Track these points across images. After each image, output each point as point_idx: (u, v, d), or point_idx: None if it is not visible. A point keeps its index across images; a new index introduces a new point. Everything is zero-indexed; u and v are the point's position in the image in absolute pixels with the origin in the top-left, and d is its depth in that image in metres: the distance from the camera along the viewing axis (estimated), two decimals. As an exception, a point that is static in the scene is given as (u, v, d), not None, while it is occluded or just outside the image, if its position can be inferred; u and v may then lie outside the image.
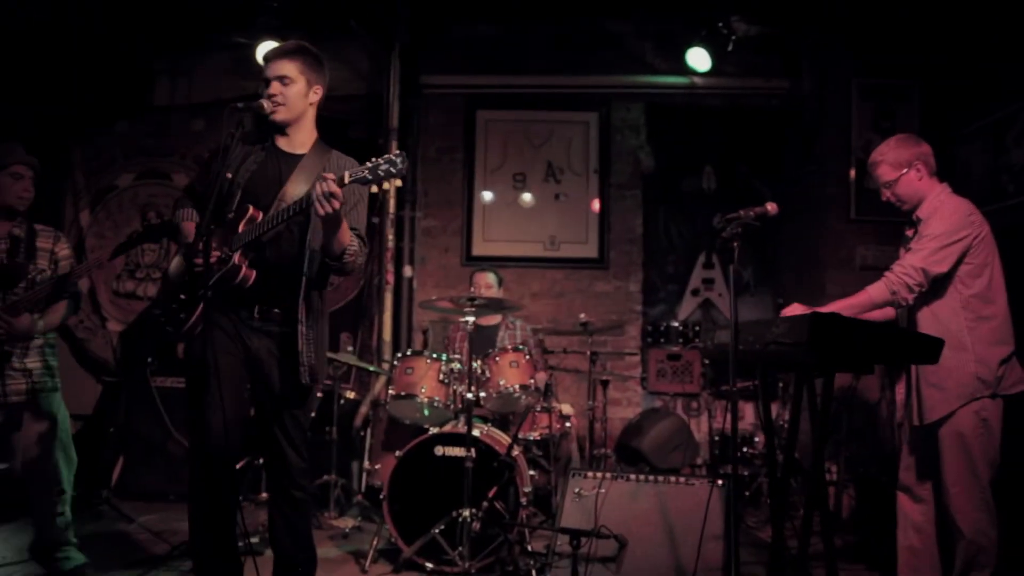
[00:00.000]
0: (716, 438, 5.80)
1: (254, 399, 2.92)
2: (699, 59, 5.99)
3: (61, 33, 5.61)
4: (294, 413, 2.90)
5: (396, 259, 6.16)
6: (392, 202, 6.01)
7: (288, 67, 2.87)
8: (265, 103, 2.84)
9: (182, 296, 2.77)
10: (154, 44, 6.19)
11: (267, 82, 2.88)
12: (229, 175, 2.79)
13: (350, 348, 5.86)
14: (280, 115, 2.88)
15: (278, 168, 2.89)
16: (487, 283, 5.16)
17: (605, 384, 5.37)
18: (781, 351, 2.83)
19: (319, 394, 4.47)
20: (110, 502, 4.98)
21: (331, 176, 2.54)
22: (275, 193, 2.82)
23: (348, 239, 2.77)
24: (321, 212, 2.55)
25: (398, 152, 2.54)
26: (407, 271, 6.35)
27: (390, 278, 6.03)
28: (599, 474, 3.81)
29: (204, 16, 5.90)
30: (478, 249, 6.47)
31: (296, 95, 2.88)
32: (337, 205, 2.54)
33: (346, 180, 2.56)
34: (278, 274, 2.80)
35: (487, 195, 6.49)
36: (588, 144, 6.47)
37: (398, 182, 2.54)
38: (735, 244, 2.95)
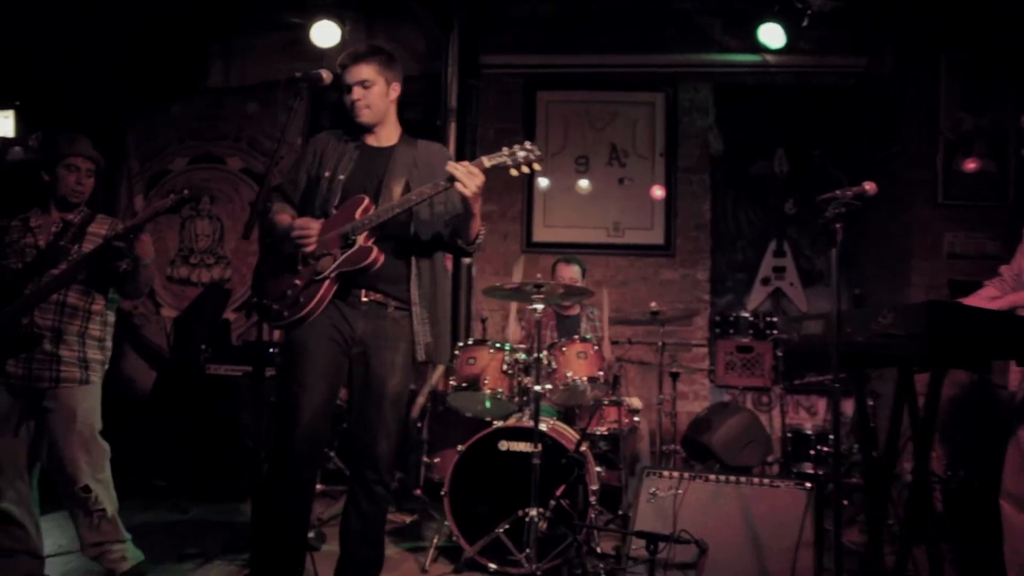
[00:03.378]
0: (789, 435, 5.49)
1: (351, 385, 2.97)
2: (772, 35, 5.67)
3: (115, 15, 5.57)
4: (395, 401, 2.93)
5: None
6: None
7: (366, 71, 2.99)
8: (352, 105, 2.98)
9: (297, 282, 2.87)
10: (208, 25, 6.10)
11: (348, 88, 3.00)
12: (327, 173, 2.98)
13: None
14: (366, 117, 3.02)
15: (374, 163, 3.02)
16: (572, 275, 5.00)
17: (675, 377, 5.13)
18: (887, 343, 2.60)
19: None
20: (165, 492, 4.92)
21: (464, 163, 2.71)
22: (376, 186, 2.96)
23: (480, 222, 2.92)
24: (469, 191, 2.71)
25: (527, 142, 2.76)
26: (465, 258, 6.11)
27: (448, 264, 5.74)
28: (675, 474, 3.59)
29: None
30: (538, 235, 6.30)
31: (378, 96, 3.01)
32: (481, 183, 2.71)
33: (486, 164, 2.75)
34: (390, 256, 2.91)
35: (544, 181, 6.30)
36: (654, 126, 6.24)
37: (538, 166, 2.77)
38: (838, 225, 2.73)
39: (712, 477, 3.54)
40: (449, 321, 3.06)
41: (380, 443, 2.91)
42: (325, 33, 5.65)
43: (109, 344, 3.54)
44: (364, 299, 2.94)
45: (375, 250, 2.87)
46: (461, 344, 4.37)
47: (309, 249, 2.88)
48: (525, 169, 2.75)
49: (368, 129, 3.08)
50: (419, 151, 3.09)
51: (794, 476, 4.74)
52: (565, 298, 4.36)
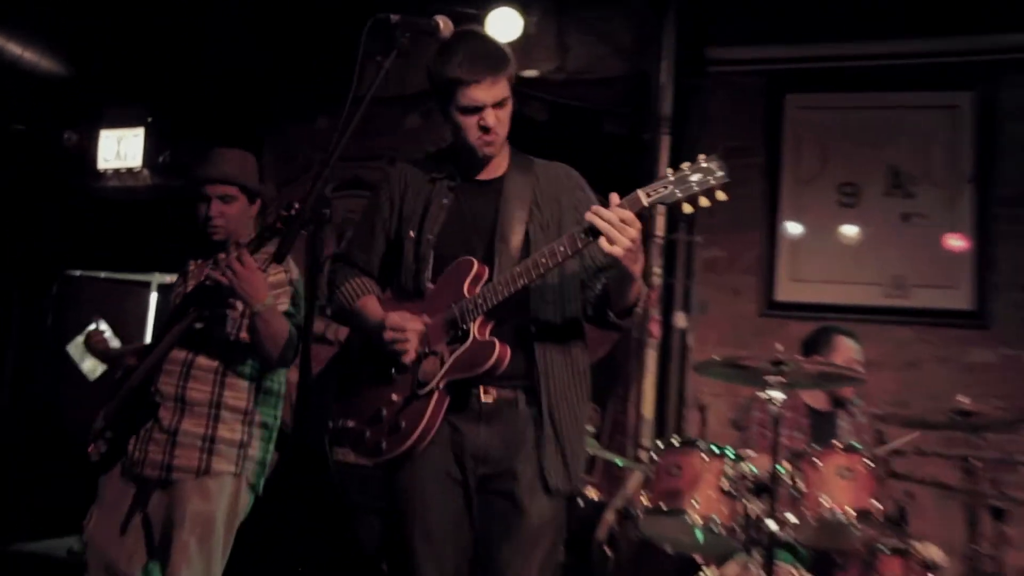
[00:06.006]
0: None
1: (475, 524, 2.75)
2: None
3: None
4: (542, 536, 2.68)
5: (664, 303, 5.60)
6: (659, 220, 5.40)
7: (504, 85, 2.68)
8: (480, 135, 2.68)
9: (394, 397, 2.68)
10: (362, 20, 6.17)
11: (470, 110, 2.67)
12: (412, 233, 2.77)
13: (592, 429, 5.21)
14: (497, 150, 2.78)
15: (478, 207, 2.81)
16: (851, 355, 4.55)
17: (998, 514, 4.21)
18: None
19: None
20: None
21: (616, 200, 2.42)
22: (488, 239, 2.74)
23: (641, 285, 2.65)
24: (620, 250, 2.40)
25: (709, 156, 2.44)
26: (679, 320, 5.68)
27: (655, 329, 5.49)
28: None
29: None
30: (784, 292, 5.60)
31: (509, 116, 2.75)
32: (637, 235, 2.41)
33: (644, 200, 2.42)
34: (512, 342, 2.68)
35: (793, 226, 5.66)
36: (958, 139, 5.40)
37: (722, 195, 2.41)
38: None
39: None
40: (584, 434, 2.83)
41: None
42: (505, 24, 5.49)
43: (259, 418, 3.40)
44: (485, 399, 2.69)
45: (497, 345, 2.60)
46: (662, 444, 3.98)
47: (409, 360, 2.65)
48: (704, 201, 2.41)
49: (482, 165, 2.83)
50: (539, 178, 2.83)
51: None
52: (823, 383, 4.11)
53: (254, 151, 6.09)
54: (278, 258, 2.75)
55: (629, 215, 2.41)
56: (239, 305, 3.21)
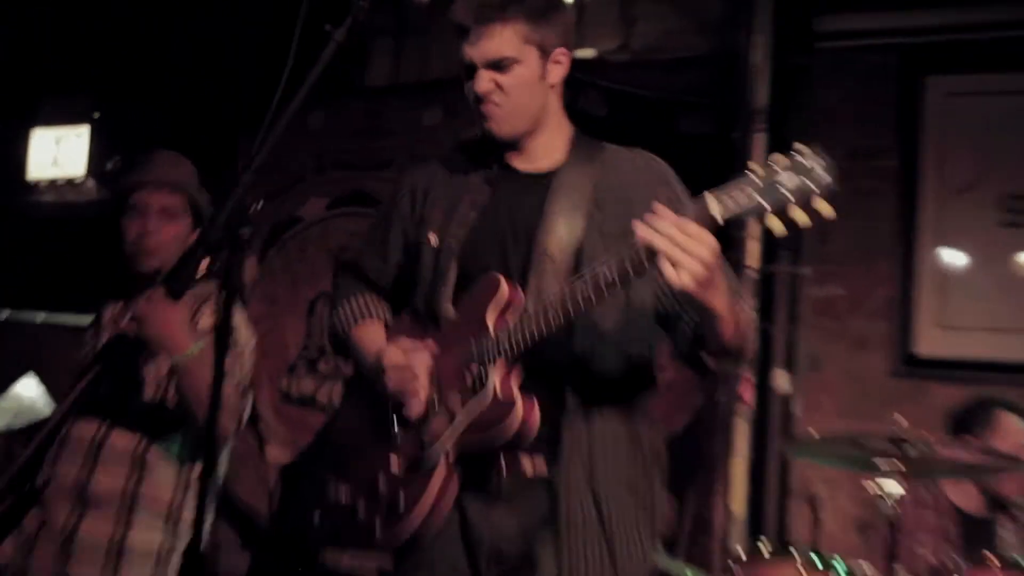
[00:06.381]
0: None
1: None
2: None
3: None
4: None
5: (760, 358, 5.25)
6: (751, 244, 5.15)
7: (502, 39, 2.59)
8: (476, 103, 2.67)
9: (393, 467, 2.60)
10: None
11: (468, 70, 2.64)
12: (432, 237, 2.68)
13: (662, 530, 5.09)
14: (503, 129, 2.67)
15: (522, 204, 2.70)
16: (1020, 438, 4.30)
17: None
18: None
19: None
20: None
21: (663, 211, 2.23)
22: (527, 249, 2.62)
23: (745, 318, 2.44)
24: (688, 281, 2.19)
25: (810, 149, 2.17)
26: (780, 381, 5.37)
27: (747, 394, 5.14)
28: None
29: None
30: (927, 344, 5.13)
31: (524, 84, 2.63)
32: (707, 256, 2.16)
33: (718, 214, 2.17)
34: (547, 397, 2.54)
35: (939, 253, 5.31)
36: None
37: (826, 208, 2.15)
38: None
39: None
40: (650, 537, 2.68)
41: None
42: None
43: (188, 516, 3.25)
44: (508, 475, 2.59)
45: (520, 405, 2.43)
46: (743, 554, 3.89)
47: (416, 413, 2.54)
48: (800, 217, 2.16)
49: (510, 145, 2.71)
50: (605, 169, 2.69)
51: None
52: (976, 475, 4.10)
53: (228, 155, 5.88)
54: (173, 293, 2.69)
55: (696, 228, 2.15)
56: (162, 361, 3.06)
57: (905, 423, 3.55)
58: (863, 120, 5.39)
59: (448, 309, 2.63)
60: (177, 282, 2.61)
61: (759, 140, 5.10)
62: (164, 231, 3.29)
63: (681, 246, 2.16)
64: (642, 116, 5.36)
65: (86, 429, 3.15)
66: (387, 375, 2.56)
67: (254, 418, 5.99)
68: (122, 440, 3.17)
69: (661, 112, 5.42)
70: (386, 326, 2.78)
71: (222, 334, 2.24)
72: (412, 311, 2.75)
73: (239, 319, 3.31)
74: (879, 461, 3.39)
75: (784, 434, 5.19)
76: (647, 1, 5.48)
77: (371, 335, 2.74)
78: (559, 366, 2.55)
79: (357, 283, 2.87)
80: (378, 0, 2.46)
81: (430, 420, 2.56)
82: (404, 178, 2.90)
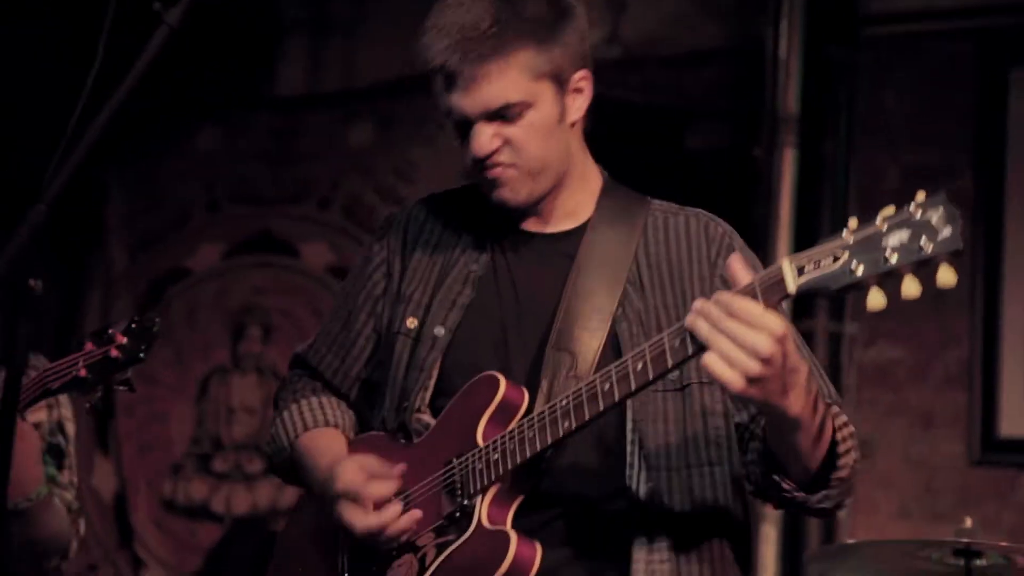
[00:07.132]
0: None
1: None
2: None
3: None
4: None
5: None
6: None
7: (504, 81, 2.26)
8: (481, 170, 2.35)
9: None
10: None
11: (460, 127, 2.32)
12: (412, 323, 2.42)
13: None
14: (521, 195, 2.35)
15: (534, 278, 2.43)
16: None
17: None
18: None
19: None
20: None
21: (737, 275, 1.94)
22: (541, 340, 2.33)
23: (836, 431, 2.06)
24: (738, 381, 1.85)
25: (929, 198, 1.79)
26: None
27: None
28: None
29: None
30: (1015, 423, 4.92)
31: (540, 133, 2.30)
32: (772, 349, 1.83)
33: (791, 283, 1.85)
34: (560, 537, 2.28)
35: None
36: None
37: (950, 275, 1.77)
38: None
39: None
40: None
41: None
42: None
43: None
44: None
45: (514, 543, 2.12)
46: None
47: (373, 559, 2.28)
48: (911, 290, 1.77)
49: (524, 212, 2.42)
50: (648, 232, 2.40)
51: None
52: None
53: (93, 198, 5.60)
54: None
55: (751, 307, 1.81)
56: None
57: (977, 528, 3.43)
58: (926, 129, 5.11)
59: (425, 420, 2.36)
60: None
61: (788, 157, 4.81)
62: None
63: (731, 335, 1.86)
64: (638, 129, 4.88)
65: None
66: (339, 504, 2.22)
67: (128, 533, 5.50)
68: None
69: (662, 123, 5.20)
70: (342, 435, 2.45)
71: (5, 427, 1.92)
72: (381, 420, 2.44)
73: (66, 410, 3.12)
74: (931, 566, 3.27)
75: (825, 543, 4.95)
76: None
77: (324, 444, 2.41)
78: (614, 515, 2.23)
79: (310, 383, 2.55)
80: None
81: (392, 566, 2.29)
82: (375, 244, 2.57)
